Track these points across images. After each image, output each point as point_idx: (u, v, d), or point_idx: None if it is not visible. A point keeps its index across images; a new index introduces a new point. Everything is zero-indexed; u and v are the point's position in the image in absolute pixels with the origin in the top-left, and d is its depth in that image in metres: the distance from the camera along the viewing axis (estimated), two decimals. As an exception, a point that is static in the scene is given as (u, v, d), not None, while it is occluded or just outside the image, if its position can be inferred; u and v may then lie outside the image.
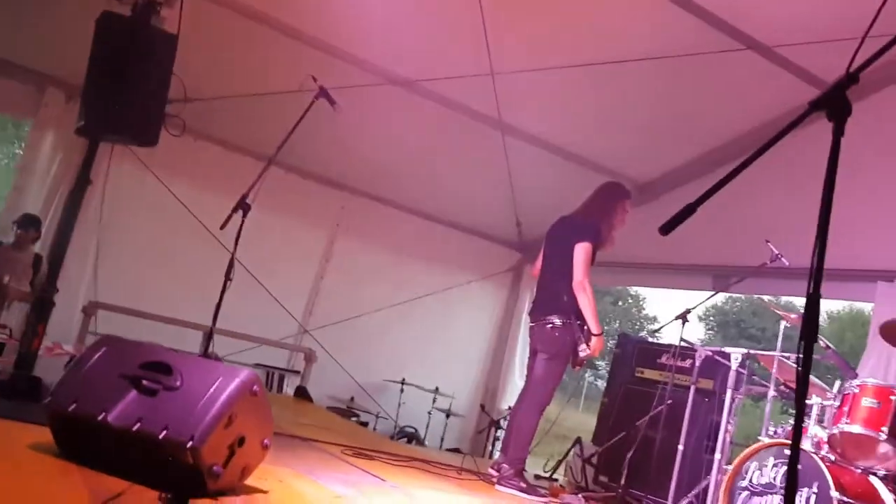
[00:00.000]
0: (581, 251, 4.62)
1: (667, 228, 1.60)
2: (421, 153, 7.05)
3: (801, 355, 1.60)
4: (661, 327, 6.24)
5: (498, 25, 5.63)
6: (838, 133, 1.69)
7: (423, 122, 6.76)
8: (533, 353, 4.88)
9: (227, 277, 4.10)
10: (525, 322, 7.45)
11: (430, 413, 7.50)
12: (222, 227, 4.26)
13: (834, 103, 1.69)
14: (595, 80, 6.00)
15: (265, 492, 2.84)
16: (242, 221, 4.20)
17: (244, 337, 6.60)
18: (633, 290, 28.47)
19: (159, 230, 6.64)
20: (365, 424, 7.17)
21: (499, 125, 6.84)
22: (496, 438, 7.38)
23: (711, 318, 29.88)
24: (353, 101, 6.21)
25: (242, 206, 4.21)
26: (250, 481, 2.80)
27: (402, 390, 7.49)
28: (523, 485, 4.51)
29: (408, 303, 7.65)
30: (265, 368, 6.86)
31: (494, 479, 4.57)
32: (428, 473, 4.51)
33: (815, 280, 1.66)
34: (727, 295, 5.49)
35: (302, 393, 6.78)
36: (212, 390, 2.53)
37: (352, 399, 7.32)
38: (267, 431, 2.79)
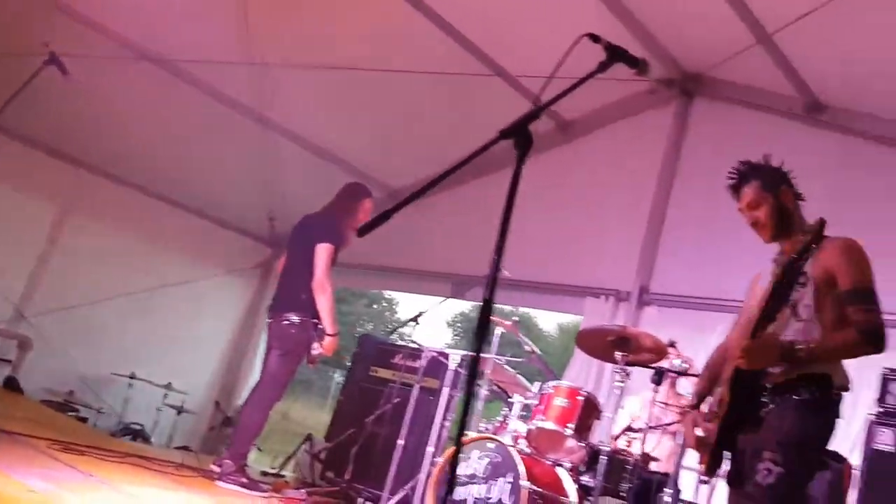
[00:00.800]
0: (322, 252, 4.71)
1: (363, 231, 1.72)
2: (173, 137, 6.73)
3: (473, 352, 1.80)
4: (395, 328, 6.53)
5: (261, 15, 5.59)
6: (520, 161, 1.92)
7: (178, 105, 6.49)
8: (268, 349, 4.88)
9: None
10: (270, 319, 7.38)
11: (159, 409, 7.15)
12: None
13: (519, 134, 1.91)
14: (357, 85, 6.16)
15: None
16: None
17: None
18: (388, 294, 29.26)
19: None
20: (84, 420, 6.67)
21: (258, 118, 6.77)
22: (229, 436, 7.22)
23: (459, 325, 31.62)
24: (100, 74, 5.83)
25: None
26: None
27: (130, 385, 7.06)
28: (244, 480, 4.49)
29: (146, 293, 7.24)
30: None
31: (215, 476, 4.50)
32: (144, 470, 4.33)
33: (491, 288, 1.85)
34: (474, 303, 5.94)
35: (11, 384, 6.17)
36: None
37: (71, 392, 6.77)
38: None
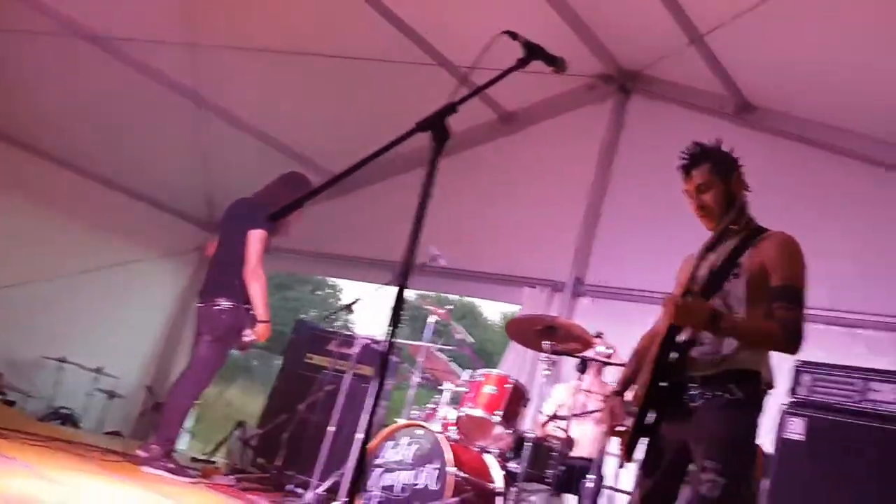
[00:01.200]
0: (255, 238, 4.67)
1: (276, 216, 1.74)
2: (107, 114, 6.58)
3: (387, 338, 1.84)
4: (330, 314, 6.52)
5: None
6: (436, 152, 1.95)
7: (112, 82, 6.34)
8: (198, 334, 4.84)
9: None
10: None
11: (90, 394, 7.01)
12: None
13: (435, 128, 1.94)
14: (297, 68, 6.11)
15: None
16: None
17: None
18: (332, 280, 29.06)
19: None
20: (12, 403, 6.51)
21: (196, 98, 6.67)
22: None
23: (403, 314, 31.68)
24: (33, 49, 5.67)
25: None
26: None
27: (60, 368, 6.91)
28: (171, 465, 4.45)
29: (78, 275, 7.07)
30: None
31: (141, 461, 4.45)
32: (69, 454, 4.27)
33: (404, 274, 1.89)
34: (414, 291, 5.94)
35: (-68, 367, 5.99)
36: None
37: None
38: None
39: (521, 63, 2.06)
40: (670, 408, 2.48)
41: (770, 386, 2.51)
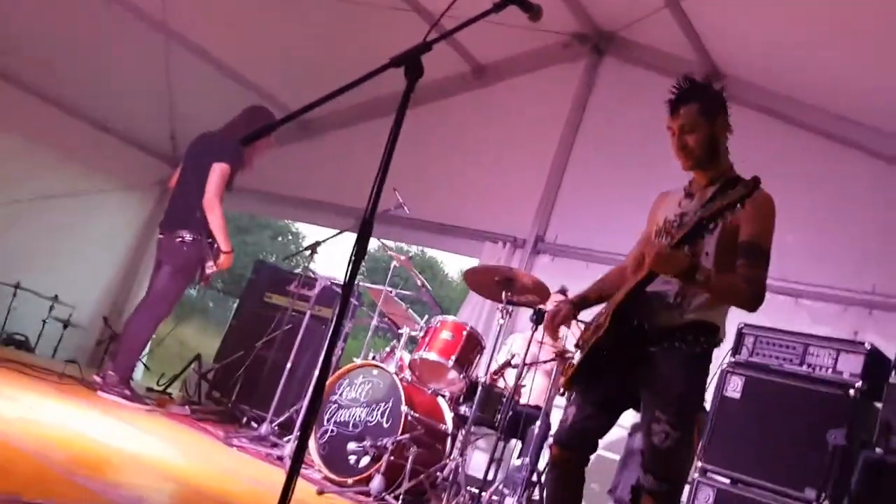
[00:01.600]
0: (217, 171, 4.65)
1: (247, 140, 1.77)
2: (72, 41, 6.40)
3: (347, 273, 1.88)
4: (293, 255, 6.54)
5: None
6: (409, 89, 1.98)
7: (79, 10, 6.15)
8: (158, 266, 4.84)
9: None
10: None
11: (45, 321, 6.96)
12: None
13: (410, 63, 1.97)
14: (272, 8, 6.02)
15: None
16: None
17: None
18: (294, 227, 28.85)
19: None
20: (-37, 327, 6.46)
21: (163, 29, 6.53)
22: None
23: (363, 263, 31.66)
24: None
25: None
26: None
27: (14, 294, 6.83)
28: (127, 392, 4.48)
29: (35, 201, 6.96)
30: None
31: (97, 387, 4.48)
32: (25, 376, 4.28)
33: (371, 213, 1.93)
34: (379, 241, 5.95)
35: None
36: None
37: (-48, 299, 6.52)
38: None
39: (497, 7, 2.09)
40: (627, 350, 2.49)
41: (722, 340, 2.56)
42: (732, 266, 2.45)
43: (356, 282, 4.93)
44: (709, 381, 3.96)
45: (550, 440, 2.78)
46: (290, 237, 30.12)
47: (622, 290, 2.54)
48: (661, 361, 2.45)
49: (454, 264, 32.42)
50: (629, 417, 4.41)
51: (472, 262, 6.37)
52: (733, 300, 2.48)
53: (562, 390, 2.77)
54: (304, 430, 1.76)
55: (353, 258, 1.89)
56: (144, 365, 6.50)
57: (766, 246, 2.47)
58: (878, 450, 3.22)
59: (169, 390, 5.78)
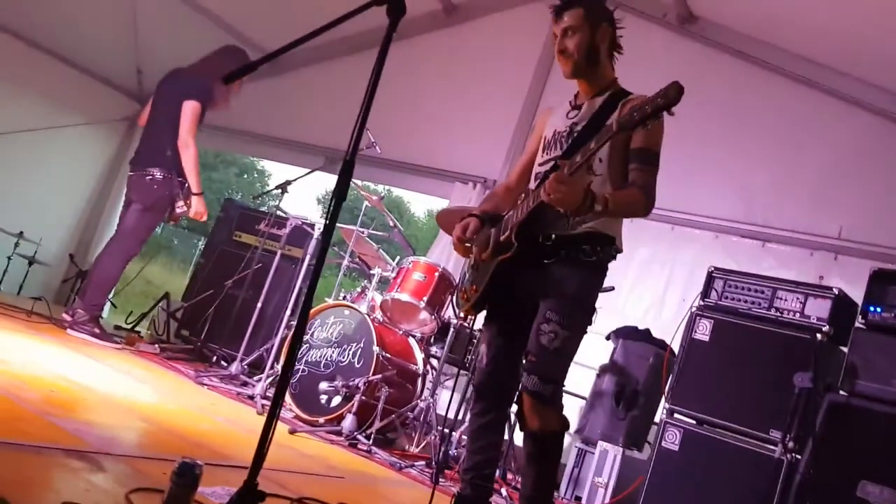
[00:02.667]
0: (189, 109, 4.57)
1: (229, 78, 1.73)
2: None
3: (328, 213, 1.87)
4: (262, 193, 6.46)
5: None
6: (391, 29, 1.95)
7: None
8: (127, 203, 4.76)
9: None
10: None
11: (10, 258, 6.83)
12: None
13: (392, 2, 1.93)
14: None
15: None
16: None
17: None
18: (261, 164, 28.45)
19: None
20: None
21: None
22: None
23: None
24: None
25: None
26: None
27: (-23, 231, 6.67)
28: (97, 330, 4.46)
29: (-2, 135, 6.74)
30: None
31: (66, 324, 4.44)
32: (-9, 314, 4.23)
33: (352, 153, 1.91)
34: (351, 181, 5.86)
35: None
36: None
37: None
38: None
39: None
40: (526, 268, 2.50)
41: (619, 251, 2.56)
42: (624, 168, 2.45)
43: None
44: (679, 323, 4.12)
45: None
46: (255, 175, 29.78)
47: (523, 210, 2.49)
48: (555, 269, 2.47)
49: (421, 204, 32.42)
50: (598, 359, 4.54)
51: (441, 203, 6.35)
52: (631, 214, 2.45)
53: (463, 314, 2.71)
54: (283, 377, 1.76)
55: (334, 198, 1.88)
56: (111, 303, 6.42)
57: (656, 150, 2.45)
58: (842, 392, 3.33)
59: (137, 328, 5.75)
